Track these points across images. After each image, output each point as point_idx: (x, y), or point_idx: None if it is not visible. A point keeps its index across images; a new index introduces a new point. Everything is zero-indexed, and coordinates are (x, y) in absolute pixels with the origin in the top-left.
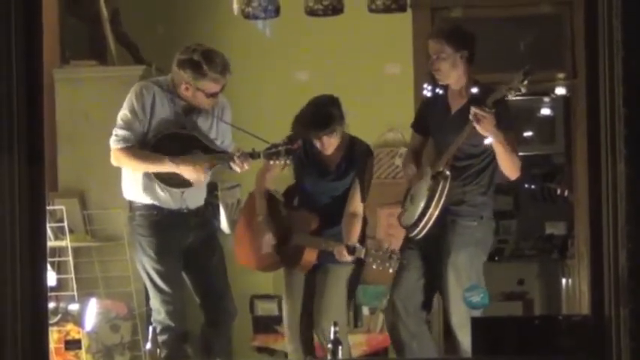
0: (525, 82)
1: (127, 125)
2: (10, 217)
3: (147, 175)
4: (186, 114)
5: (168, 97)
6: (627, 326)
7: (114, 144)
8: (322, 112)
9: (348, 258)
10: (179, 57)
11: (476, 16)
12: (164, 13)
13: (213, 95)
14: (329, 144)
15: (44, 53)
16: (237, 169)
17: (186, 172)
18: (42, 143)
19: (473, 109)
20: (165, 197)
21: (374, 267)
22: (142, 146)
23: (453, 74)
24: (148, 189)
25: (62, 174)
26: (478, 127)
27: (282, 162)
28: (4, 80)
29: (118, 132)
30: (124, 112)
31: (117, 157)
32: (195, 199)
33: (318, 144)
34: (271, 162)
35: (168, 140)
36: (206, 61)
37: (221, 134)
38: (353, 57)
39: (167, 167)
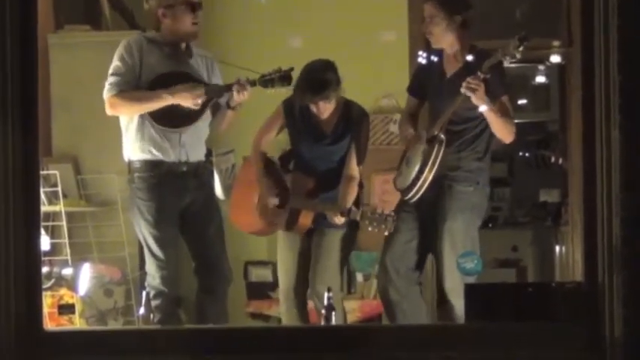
0: (521, 49)
1: (118, 72)
2: (3, 181)
3: (143, 120)
4: (176, 59)
5: (157, 46)
6: (620, 293)
7: (107, 93)
8: (318, 78)
9: (341, 220)
10: None
11: None
12: None
13: (194, 8)
14: (325, 109)
15: (38, 18)
16: (236, 98)
17: (182, 99)
18: (36, 108)
19: (467, 80)
20: (163, 146)
21: (369, 229)
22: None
23: (446, 38)
24: (145, 138)
25: (56, 139)
26: (472, 97)
27: (277, 88)
28: None
29: (110, 80)
30: (114, 64)
31: (112, 104)
32: (194, 150)
33: (314, 108)
34: (268, 90)
35: (162, 81)
36: None
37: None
38: (348, 23)
39: (163, 101)
